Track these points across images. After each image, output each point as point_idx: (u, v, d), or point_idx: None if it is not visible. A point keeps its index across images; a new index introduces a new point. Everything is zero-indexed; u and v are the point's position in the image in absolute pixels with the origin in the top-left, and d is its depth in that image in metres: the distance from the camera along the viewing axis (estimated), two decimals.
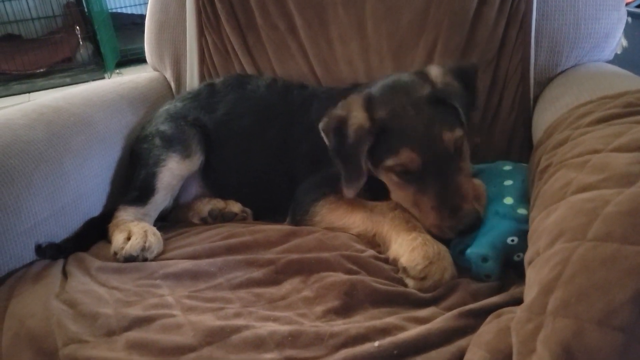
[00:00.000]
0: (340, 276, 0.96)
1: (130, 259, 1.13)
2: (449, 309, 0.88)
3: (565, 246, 0.69)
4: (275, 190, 1.35)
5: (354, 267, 1.00)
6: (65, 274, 1.08)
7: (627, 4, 2.30)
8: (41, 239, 1.14)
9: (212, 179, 1.45)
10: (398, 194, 1.12)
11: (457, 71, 1.16)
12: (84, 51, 4.38)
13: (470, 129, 1.11)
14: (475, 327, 0.80)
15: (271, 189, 1.37)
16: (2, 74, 4.13)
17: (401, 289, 0.95)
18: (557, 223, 0.75)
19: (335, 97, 1.24)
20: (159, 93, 1.70)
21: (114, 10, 4.59)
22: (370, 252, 1.07)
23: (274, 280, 1.01)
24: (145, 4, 1.83)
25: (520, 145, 1.47)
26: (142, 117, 1.55)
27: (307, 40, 1.59)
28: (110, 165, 1.39)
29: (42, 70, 4.18)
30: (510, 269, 1.00)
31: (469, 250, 1.00)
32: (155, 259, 1.15)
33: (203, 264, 1.06)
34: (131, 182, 1.36)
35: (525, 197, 1.07)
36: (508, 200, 1.07)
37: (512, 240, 1.00)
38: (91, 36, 4.36)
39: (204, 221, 1.37)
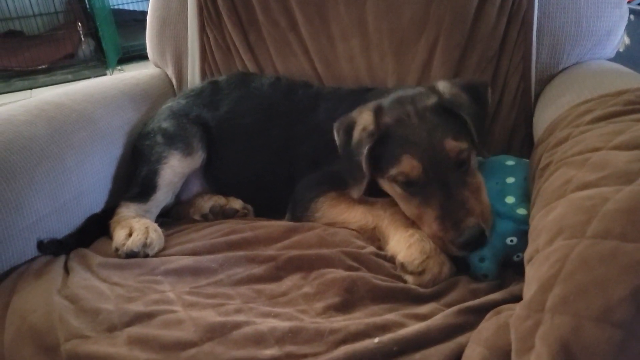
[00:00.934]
0: (341, 273, 0.97)
1: (131, 255, 1.13)
2: (449, 305, 0.88)
3: (564, 243, 0.69)
4: (277, 188, 1.35)
5: (354, 264, 1.01)
6: (67, 270, 1.08)
7: (629, 2, 2.29)
8: (43, 235, 1.14)
9: (213, 175, 1.45)
10: (404, 207, 1.11)
11: (466, 86, 1.15)
12: (85, 47, 4.38)
13: (480, 142, 1.09)
14: (475, 324, 0.80)
15: (272, 186, 1.37)
16: (4, 70, 4.13)
17: (401, 285, 0.96)
18: (557, 220, 0.75)
19: (342, 98, 1.25)
20: (161, 90, 1.70)
21: (116, 7, 4.58)
22: (371, 248, 1.07)
23: (275, 276, 1.01)
24: (147, 0, 1.82)
25: (520, 143, 1.47)
26: (144, 114, 1.55)
27: (308, 37, 1.59)
28: (111, 162, 1.40)
29: (43, 66, 4.18)
30: (509, 269, 1.01)
31: None
32: (156, 255, 1.15)
33: (204, 260, 1.06)
34: (133, 178, 1.37)
35: (526, 196, 1.07)
36: (509, 200, 1.07)
37: (512, 241, 1.00)
38: (93, 32, 4.36)
39: (205, 218, 1.38)
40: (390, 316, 0.85)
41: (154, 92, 1.66)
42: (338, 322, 0.84)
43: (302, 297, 0.94)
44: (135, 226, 1.19)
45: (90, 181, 1.30)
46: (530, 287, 0.71)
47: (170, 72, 1.76)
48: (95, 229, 1.27)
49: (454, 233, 0.99)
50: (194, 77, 1.71)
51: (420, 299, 0.92)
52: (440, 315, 0.83)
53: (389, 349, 0.76)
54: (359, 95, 1.32)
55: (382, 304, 0.91)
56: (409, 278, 0.98)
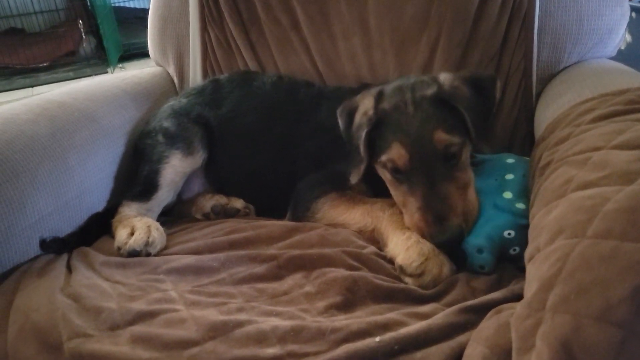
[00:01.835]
0: (342, 272, 0.97)
1: (133, 253, 1.14)
2: (450, 304, 0.88)
3: (565, 243, 0.69)
4: (278, 187, 1.35)
5: (356, 263, 1.01)
6: (69, 269, 1.09)
7: None
8: (45, 233, 1.15)
9: (215, 175, 1.46)
10: (393, 194, 1.13)
11: (470, 79, 1.15)
12: (87, 45, 4.37)
13: (478, 138, 1.08)
14: (476, 323, 0.80)
15: (274, 185, 1.38)
16: (5, 68, 4.12)
17: (402, 285, 0.96)
18: (558, 220, 0.75)
19: (344, 97, 1.25)
20: (162, 88, 1.71)
21: (117, 4, 4.58)
22: (372, 248, 1.08)
23: (276, 275, 1.01)
24: None
25: (522, 141, 1.47)
26: (145, 112, 1.56)
27: (310, 36, 1.59)
28: (113, 161, 1.40)
29: (45, 64, 4.17)
30: (506, 263, 1.01)
31: (464, 241, 1.01)
32: (158, 254, 1.16)
33: (206, 259, 1.07)
34: (134, 177, 1.37)
35: (525, 192, 1.07)
36: (507, 195, 1.07)
37: (509, 234, 1.00)
38: (94, 30, 4.35)
39: (207, 217, 1.38)
40: (392, 315, 0.85)
41: (156, 90, 1.67)
42: (339, 321, 0.84)
43: (303, 296, 0.94)
44: (137, 225, 1.19)
45: (92, 180, 1.30)
46: (531, 286, 0.72)
47: (171, 70, 1.76)
48: (98, 228, 1.28)
49: (435, 229, 1.00)
50: (195, 75, 1.71)
51: (421, 299, 0.93)
52: (441, 314, 0.84)
53: (390, 348, 0.77)
54: (358, 93, 1.32)
55: (384, 303, 0.91)
56: (408, 280, 0.98)
